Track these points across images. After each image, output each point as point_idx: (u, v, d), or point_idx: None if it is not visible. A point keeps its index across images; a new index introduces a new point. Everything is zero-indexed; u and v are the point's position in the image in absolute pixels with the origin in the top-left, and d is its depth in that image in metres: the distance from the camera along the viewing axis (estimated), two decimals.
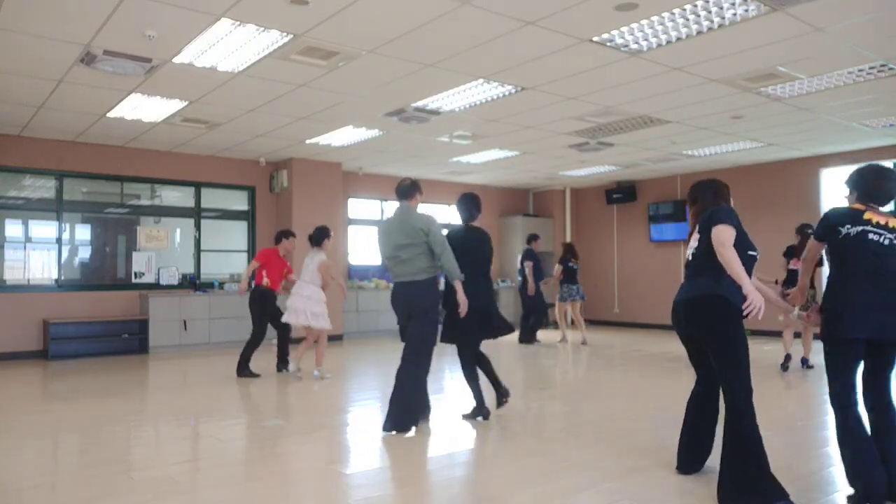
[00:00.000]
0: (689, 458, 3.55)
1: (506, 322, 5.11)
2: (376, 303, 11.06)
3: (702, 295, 3.21)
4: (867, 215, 3.10)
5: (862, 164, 3.32)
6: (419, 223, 4.56)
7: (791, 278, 6.85)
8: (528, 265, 9.80)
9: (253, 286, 7.00)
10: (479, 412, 4.90)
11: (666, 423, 4.75)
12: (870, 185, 3.17)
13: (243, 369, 6.93)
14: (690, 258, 3.39)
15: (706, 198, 3.47)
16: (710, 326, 3.19)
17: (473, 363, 4.91)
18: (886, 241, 3.05)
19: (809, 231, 7.12)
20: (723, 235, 3.11)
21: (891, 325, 3.00)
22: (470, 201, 5.03)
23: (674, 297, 3.40)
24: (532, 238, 10.26)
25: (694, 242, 3.38)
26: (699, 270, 3.28)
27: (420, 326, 4.61)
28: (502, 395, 5.01)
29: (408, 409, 4.59)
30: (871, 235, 3.05)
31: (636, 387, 6.47)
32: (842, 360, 3.10)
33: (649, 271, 12.34)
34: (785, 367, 7.05)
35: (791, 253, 7.17)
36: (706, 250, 3.21)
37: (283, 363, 7.18)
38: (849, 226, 3.09)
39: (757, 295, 2.99)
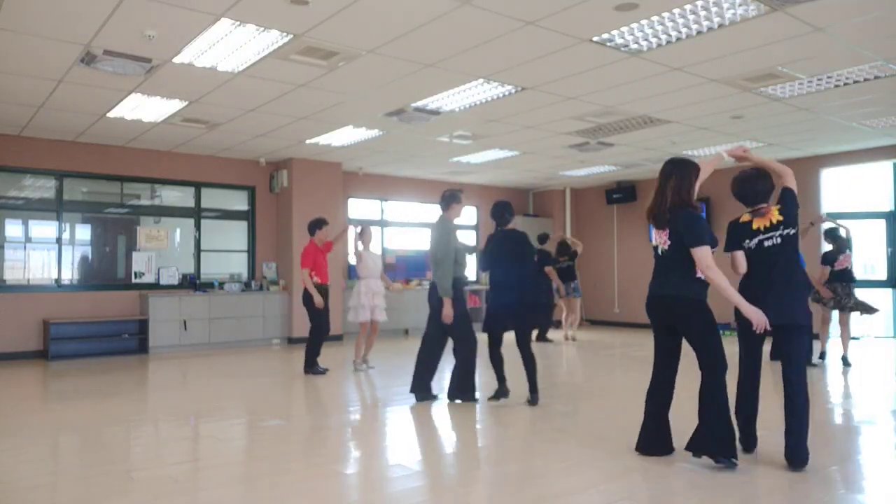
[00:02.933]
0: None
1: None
2: None
3: (674, 296, 3.68)
4: (755, 224, 3.66)
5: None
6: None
7: (835, 277, 7.24)
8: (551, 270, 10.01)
9: (304, 288, 7.06)
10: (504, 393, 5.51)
11: None
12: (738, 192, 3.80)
13: (311, 366, 7.00)
14: (661, 255, 3.81)
15: (681, 184, 3.80)
16: (686, 322, 3.68)
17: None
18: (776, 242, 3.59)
19: (839, 234, 7.40)
20: (707, 260, 3.49)
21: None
22: (503, 208, 5.71)
23: (649, 288, 3.82)
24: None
25: (664, 240, 3.73)
26: (672, 269, 3.71)
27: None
28: (503, 393, 5.52)
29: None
30: (765, 243, 3.60)
31: (636, 386, 6.46)
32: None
33: (649, 271, 12.23)
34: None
35: (826, 259, 7.35)
36: (678, 254, 3.62)
37: (311, 365, 7.06)
38: (747, 240, 3.67)
39: (756, 314, 3.42)
